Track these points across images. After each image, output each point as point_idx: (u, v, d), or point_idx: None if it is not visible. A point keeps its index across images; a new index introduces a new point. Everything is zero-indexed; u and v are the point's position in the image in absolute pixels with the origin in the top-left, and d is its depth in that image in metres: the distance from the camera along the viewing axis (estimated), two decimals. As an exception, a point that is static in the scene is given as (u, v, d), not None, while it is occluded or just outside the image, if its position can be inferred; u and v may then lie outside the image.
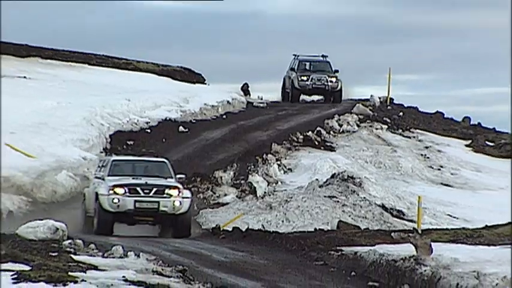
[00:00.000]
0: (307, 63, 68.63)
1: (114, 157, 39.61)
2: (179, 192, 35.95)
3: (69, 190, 48.49)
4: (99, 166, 39.96)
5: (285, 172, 52.01)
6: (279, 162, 52.85)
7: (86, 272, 29.37)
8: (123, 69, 76.70)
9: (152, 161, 39.57)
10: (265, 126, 61.74)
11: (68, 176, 48.82)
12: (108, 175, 36.96)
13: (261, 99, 70.83)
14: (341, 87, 64.85)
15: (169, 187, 36.10)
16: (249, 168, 51.88)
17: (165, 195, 35.72)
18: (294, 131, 59.56)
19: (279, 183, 51.04)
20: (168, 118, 58.65)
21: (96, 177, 38.32)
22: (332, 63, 77.92)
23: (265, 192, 49.04)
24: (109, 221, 35.50)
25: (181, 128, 57.74)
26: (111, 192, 35.34)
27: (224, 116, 63.58)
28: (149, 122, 57.66)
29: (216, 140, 57.99)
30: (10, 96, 58.57)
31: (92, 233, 35.07)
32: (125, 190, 35.49)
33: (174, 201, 35.44)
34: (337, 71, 62.75)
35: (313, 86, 60.98)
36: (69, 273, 28.77)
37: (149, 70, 76.34)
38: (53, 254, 32.68)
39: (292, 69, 69.55)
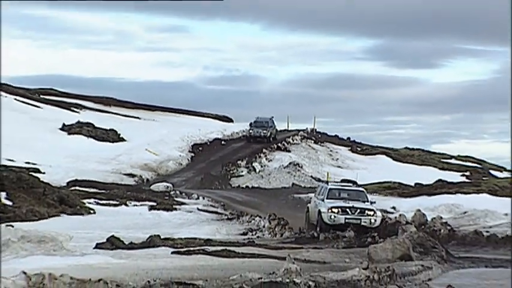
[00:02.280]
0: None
1: (330, 186, 42.97)
2: (374, 213, 40.36)
3: (174, 169, 74.12)
4: (319, 189, 43.81)
5: (268, 161, 78.66)
6: (265, 157, 79.90)
7: (180, 206, 46.94)
8: (195, 115, 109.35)
9: (355, 190, 42.91)
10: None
11: (173, 163, 75.91)
12: (326, 198, 41.06)
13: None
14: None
15: (368, 209, 40.48)
16: (252, 159, 77.98)
17: (365, 215, 40.02)
18: (276, 141, 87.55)
19: (266, 166, 76.85)
20: (217, 138, 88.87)
21: (317, 198, 42.32)
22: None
23: (259, 170, 75.03)
24: (327, 229, 39.47)
25: (222, 142, 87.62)
26: (329, 211, 39.81)
27: (242, 137, 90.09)
28: (209, 139, 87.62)
29: (238, 147, 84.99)
30: (146, 129, 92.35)
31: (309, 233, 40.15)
32: (338, 210, 39.86)
33: (370, 219, 39.84)
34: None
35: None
36: (173, 205, 46.49)
37: (208, 116, 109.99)
38: (166, 198, 51.38)
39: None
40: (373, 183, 62.75)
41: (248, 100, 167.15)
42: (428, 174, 74.75)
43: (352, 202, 41.16)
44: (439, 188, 60.70)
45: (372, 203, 42.10)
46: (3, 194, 39.47)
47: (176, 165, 75.30)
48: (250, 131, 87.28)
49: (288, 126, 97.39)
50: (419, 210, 44.41)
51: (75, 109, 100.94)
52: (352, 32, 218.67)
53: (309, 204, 44.51)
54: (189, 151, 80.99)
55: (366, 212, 40.68)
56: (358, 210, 40.63)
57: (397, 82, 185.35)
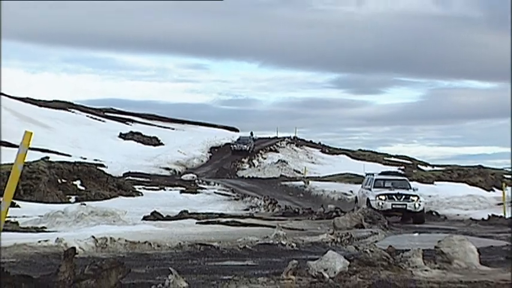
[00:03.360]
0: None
1: (376, 176, 37.84)
2: (418, 198, 34.70)
3: (197, 165, 74.28)
4: (366, 180, 38.49)
5: (263, 159, 78.93)
6: (261, 156, 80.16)
7: (202, 190, 47.58)
8: (211, 126, 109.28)
9: (398, 179, 37.96)
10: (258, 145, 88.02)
11: (197, 160, 76.92)
12: (374, 187, 35.93)
13: (251, 134, 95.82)
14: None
15: (412, 195, 34.85)
16: (252, 157, 78.03)
17: (409, 200, 34.35)
18: (266, 146, 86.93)
19: (261, 162, 76.95)
20: (227, 143, 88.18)
21: (364, 188, 37.28)
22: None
23: (257, 165, 75.02)
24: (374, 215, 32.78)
25: (231, 145, 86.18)
26: (377, 198, 34.43)
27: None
28: (222, 143, 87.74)
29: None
30: (178, 136, 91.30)
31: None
32: (386, 197, 34.48)
33: (415, 204, 34.17)
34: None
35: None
36: (197, 190, 47.27)
37: (221, 127, 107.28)
38: (192, 184, 51.75)
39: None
40: (337, 174, 62.99)
41: (249, 116, 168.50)
42: (375, 168, 74.80)
43: (396, 190, 35.74)
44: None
45: (414, 190, 36.27)
46: (79, 181, 39.47)
47: (199, 162, 76.09)
48: (234, 146, 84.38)
49: (277, 134, 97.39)
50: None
51: (129, 122, 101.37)
52: (322, 68, 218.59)
53: (357, 194, 39.71)
54: (208, 152, 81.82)
55: (411, 197, 35.08)
56: (404, 196, 35.07)
57: (354, 104, 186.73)
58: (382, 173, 40.68)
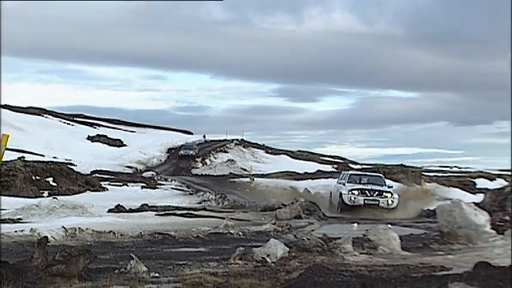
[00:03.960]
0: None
1: (351, 172, 35.71)
2: (392, 195, 31.73)
3: (156, 164, 73.71)
4: (341, 175, 35.98)
5: (215, 158, 78.56)
6: (213, 156, 79.65)
7: (160, 186, 47.17)
8: (169, 130, 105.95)
9: (373, 175, 35.11)
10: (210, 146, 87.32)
11: (156, 159, 75.86)
12: (347, 182, 33.05)
13: (204, 137, 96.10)
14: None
15: (385, 192, 31.89)
16: (204, 156, 77.59)
17: (382, 197, 31.48)
18: (217, 147, 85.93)
19: (213, 161, 76.63)
20: (182, 144, 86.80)
21: (339, 183, 34.40)
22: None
23: (209, 164, 74.72)
24: (346, 209, 31.27)
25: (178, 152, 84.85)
26: (349, 193, 31.63)
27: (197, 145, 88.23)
28: (178, 145, 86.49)
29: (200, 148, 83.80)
30: (139, 138, 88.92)
31: (333, 213, 31.01)
32: (358, 192, 31.62)
33: (388, 201, 31.25)
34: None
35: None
36: (156, 186, 46.82)
37: (177, 130, 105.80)
38: (152, 181, 51.07)
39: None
40: (279, 172, 62.99)
41: (202, 121, 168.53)
42: (312, 167, 75.25)
43: (370, 186, 32.76)
44: (319, 174, 60.44)
45: (389, 187, 33.15)
46: (51, 178, 39.09)
47: (158, 161, 76.03)
48: (181, 152, 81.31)
49: (226, 137, 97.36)
50: (306, 188, 41.59)
51: (96, 126, 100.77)
52: (266, 79, 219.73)
53: (332, 190, 36.04)
54: (166, 152, 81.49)
55: (384, 194, 31.97)
56: (377, 192, 32.01)
57: (293, 110, 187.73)
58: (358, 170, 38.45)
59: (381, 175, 35.54)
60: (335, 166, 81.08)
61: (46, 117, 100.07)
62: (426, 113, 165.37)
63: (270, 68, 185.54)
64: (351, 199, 31.57)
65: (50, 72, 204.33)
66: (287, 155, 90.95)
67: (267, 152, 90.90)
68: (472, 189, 45.34)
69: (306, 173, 63.20)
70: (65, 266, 9.84)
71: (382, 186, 32.72)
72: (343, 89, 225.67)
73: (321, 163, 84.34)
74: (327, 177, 54.50)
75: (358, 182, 33.36)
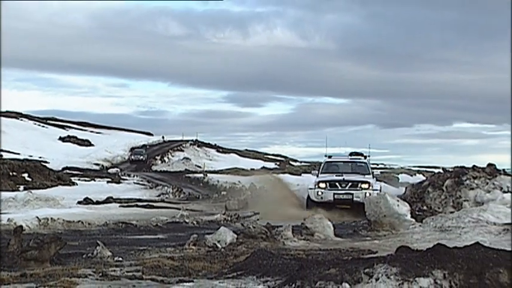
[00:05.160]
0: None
1: (328, 159, 25.76)
2: (369, 185, 23.24)
3: (120, 161, 71.92)
4: (319, 164, 27.43)
5: (172, 156, 76.68)
6: (170, 154, 77.92)
7: (123, 181, 46.07)
8: (132, 131, 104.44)
9: (355, 161, 25.50)
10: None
11: (120, 157, 74.08)
12: (321, 172, 24.70)
13: (163, 137, 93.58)
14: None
15: (362, 182, 23.45)
16: (163, 155, 76.01)
17: (358, 189, 23.13)
18: (174, 147, 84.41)
19: (170, 159, 74.71)
20: (144, 144, 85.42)
21: (313, 174, 26.17)
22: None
23: (167, 161, 72.71)
24: (314, 207, 22.89)
25: (147, 146, 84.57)
26: (316, 187, 23.53)
27: (157, 144, 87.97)
28: (140, 145, 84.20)
29: (155, 149, 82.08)
30: (105, 139, 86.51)
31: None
32: (326, 185, 23.36)
33: (365, 193, 22.32)
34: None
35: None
36: (120, 180, 45.61)
37: (139, 132, 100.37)
38: (116, 176, 49.29)
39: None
40: (228, 168, 62.91)
41: (161, 123, 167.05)
42: (258, 164, 75.62)
43: (349, 175, 24.04)
44: (263, 170, 60.00)
45: (374, 175, 24.69)
46: (26, 174, 38.57)
47: (122, 159, 74.90)
48: (132, 156, 75.54)
49: (182, 137, 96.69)
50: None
51: (67, 128, 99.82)
52: (217, 87, 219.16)
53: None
54: (129, 151, 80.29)
55: (360, 185, 23.34)
56: (350, 184, 23.34)
57: (241, 114, 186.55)
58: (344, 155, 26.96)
59: (365, 161, 25.63)
60: (277, 163, 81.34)
61: (22, 120, 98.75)
62: (356, 117, 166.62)
63: (220, 77, 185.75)
64: (317, 194, 23.27)
65: (26, 80, 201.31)
66: (236, 153, 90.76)
67: (218, 151, 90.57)
68: (395, 183, 45.78)
69: (252, 169, 63.31)
70: (38, 252, 9.76)
71: (365, 175, 24.25)
72: (284, 96, 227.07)
73: (265, 161, 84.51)
74: (272, 173, 54.49)
75: (335, 170, 24.69)
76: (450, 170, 26.84)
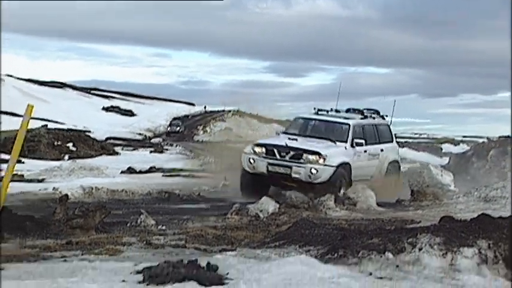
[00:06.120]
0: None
1: (301, 115, 18.50)
2: (319, 158, 15.74)
3: (163, 131, 73.59)
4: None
5: (214, 127, 75.76)
6: (212, 124, 76.75)
7: (166, 151, 46.62)
8: (173, 102, 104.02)
9: (335, 122, 17.51)
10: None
11: (162, 127, 75.13)
12: (283, 132, 17.85)
13: (205, 107, 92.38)
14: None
15: (309, 152, 15.89)
16: (205, 125, 76.02)
17: (300, 161, 15.75)
18: (216, 117, 78.47)
19: (212, 129, 73.88)
20: (186, 115, 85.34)
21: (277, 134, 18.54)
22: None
23: (209, 131, 72.36)
24: (249, 182, 16.54)
25: (189, 117, 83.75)
26: (251, 151, 16.49)
27: (199, 115, 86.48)
28: (181, 115, 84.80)
29: (197, 119, 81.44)
30: (148, 109, 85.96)
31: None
32: (262, 150, 16.30)
33: (311, 169, 15.53)
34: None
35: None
36: (163, 150, 46.01)
37: (181, 102, 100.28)
38: (159, 146, 50.10)
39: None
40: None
41: (202, 93, 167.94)
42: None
43: (305, 139, 16.84)
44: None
45: (356, 144, 16.79)
46: (71, 144, 39.04)
47: (164, 129, 75.41)
48: (168, 128, 74.90)
49: (224, 108, 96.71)
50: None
51: (110, 98, 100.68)
52: (258, 57, 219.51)
53: None
54: (171, 121, 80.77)
55: (306, 156, 15.99)
56: (293, 154, 16.12)
57: (282, 84, 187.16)
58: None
59: (349, 123, 17.43)
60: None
61: (66, 90, 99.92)
62: (399, 86, 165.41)
63: (261, 47, 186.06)
64: (249, 162, 16.54)
65: (69, 51, 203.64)
66: (277, 123, 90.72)
67: (259, 121, 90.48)
68: (438, 153, 45.38)
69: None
70: (83, 220, 9.89)
71: (336, 142, 16.85)
72: (326, 66, 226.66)
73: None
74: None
75: (303, 132, 17.64)
76: (495, 139, 26.53)
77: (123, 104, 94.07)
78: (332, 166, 16.03)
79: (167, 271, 6.14)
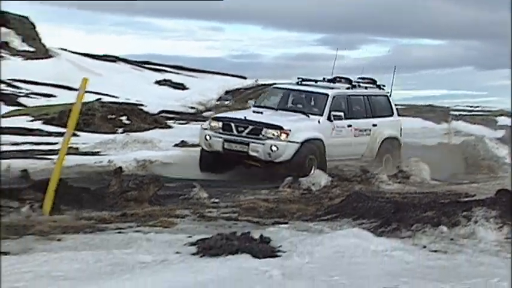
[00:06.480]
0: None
1: (277, 85, 17.21)
2: (281, 133, 13.78)
3: (214, 105, 73.98)
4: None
5: None
6: None
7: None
8: (226, 75, 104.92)
9: (312, 93, 15.30)
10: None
11: (214, 101, 75.28)
12: (254, 105, 15.59)
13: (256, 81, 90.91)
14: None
15: (269, 126, 13.94)
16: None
17: (260, 138, 13.83)
18: None
19: None
20: (237, 88, 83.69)
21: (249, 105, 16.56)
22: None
23: None
24: (207, 161, 14.71)
25: (241, 90, 79.96)
26: (208, 127, 14.53)
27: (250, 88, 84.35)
28: (233, 89, 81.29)
29: (248, 93, 74.49)
30: (200, 83, 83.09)
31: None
32: (219, 126, 14.33)
33: (272, 145, 13.67)
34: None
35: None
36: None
37: (233, 75, 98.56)
38: None
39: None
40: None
41: (255, 67, 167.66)
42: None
43: (280, 114, 14.87)
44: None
45: (334, 117, 14.68)
46: (124, 117, 39.42)
47: (215, 102, 75.61)
48: (218, 102, 67.71)
49: (276, 81, 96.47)
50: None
51: (162, 72, 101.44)
52: (310, 30, 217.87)
53: None
54: (224, 95, 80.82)
55: (265, 131, 13.98)
56: (251, 128, 14.15)
57: (334, 57, 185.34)
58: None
59: (328, 93, 15.21)
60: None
61: (119, 64, 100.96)
62: (453, 58, 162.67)
63: (313, 20, 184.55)
64: (205, 139, 14.58)
65: (122, 25, 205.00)
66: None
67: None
68: (494, 126, 44.62)
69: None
70: (138, 192, 10.02)
71: (309, 115, 14.74)
72: (379, 38, 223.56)
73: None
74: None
75: (271, 105, 15.52)
76: (552, 111, 26.05)
77: (175, 78, 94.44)
78: (296, 142, 13.92)
79: (220, 243, 6.21)
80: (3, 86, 38.36)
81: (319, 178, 12.87)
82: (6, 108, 30.05)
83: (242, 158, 14.23)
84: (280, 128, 14.04)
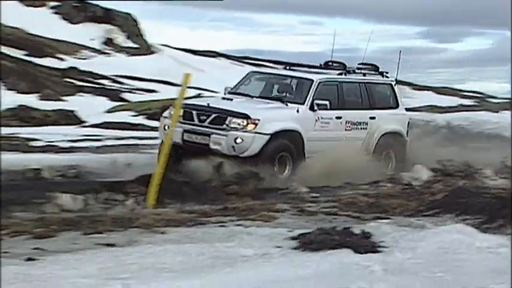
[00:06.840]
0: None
1: (256, 69, 16.90)
2: (248, 123, 11.33)
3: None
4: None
5: None
6: None
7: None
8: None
9: (295, 78, 13.01)
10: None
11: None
12: (230, 92, 13.17)
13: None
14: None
15: (235, 114, 11.48)
16: None
17: (223, 127, 11.39)
18: None
19: None
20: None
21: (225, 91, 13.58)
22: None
23: None
24: (178, 157, 11.20)
25: None
26: (168, 114, 11.61)
27: None
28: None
29: None
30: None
31: None
32: (180, 114, 10.99)
33: (236, 138, 11.24)
34: None
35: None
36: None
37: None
38: None
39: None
40: (424, 106, 61.17)
41: (353, 61, 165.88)
42: (454, 101, 72.67)
43: (253, 101, 12.44)
44: (460, 108, 58.26)
45: (319, 107, 12.06)
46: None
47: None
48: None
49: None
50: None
51: (261, 66, 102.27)
52: (411, 23, 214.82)
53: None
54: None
55: (230, 120, 11.46)
56: (213, 116, 11.60)
57: (436, 50, 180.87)
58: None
59: (312, 78, 12.86)
60: (474, 100, 78.44)
61: (219, 59, 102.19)
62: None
63: (414, 13, 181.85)
64: (164, 129, 11.84)
65: (221, 21, 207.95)
66: (431, 90, 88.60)
67: (413, 89, 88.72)
68: None
69: (448, 106, 61.32)
70: (239, 187, 10.11)
71: (288, 103, 12.38)
72: (483, 30, 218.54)
73: (461, 97, 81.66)
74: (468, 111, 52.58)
75: (247, 92, 13.21)
76: None
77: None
78: (265, 134, 11.57)
79: (321, 238, 6.21)
80: (107, 82, 39.15)
81: (420, 173, 12.69)
82: (110, 104, 30.65)
83: (205, 151, 11.61)
84: (246, 116, 11.59)
